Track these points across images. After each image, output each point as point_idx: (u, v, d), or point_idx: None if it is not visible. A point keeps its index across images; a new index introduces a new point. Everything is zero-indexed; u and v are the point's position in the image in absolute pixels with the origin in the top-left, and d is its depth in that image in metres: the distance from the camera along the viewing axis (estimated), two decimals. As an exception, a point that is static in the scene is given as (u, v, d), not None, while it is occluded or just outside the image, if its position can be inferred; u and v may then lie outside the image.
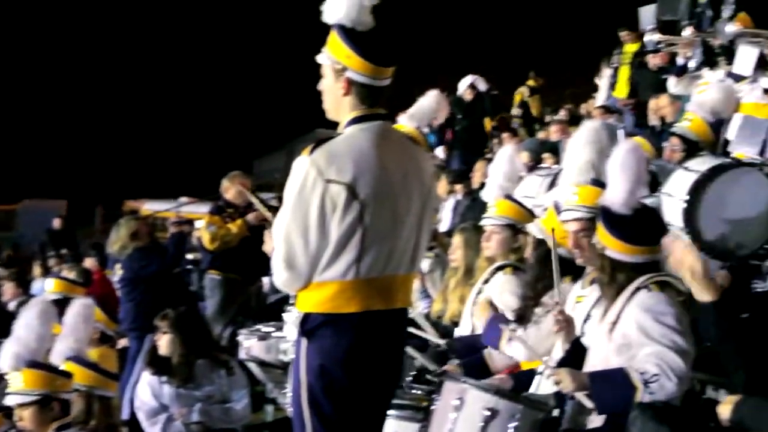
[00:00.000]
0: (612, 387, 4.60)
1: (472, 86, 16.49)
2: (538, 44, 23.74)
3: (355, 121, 4.43)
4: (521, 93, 17.64)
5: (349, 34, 4.39)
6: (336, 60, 4.42)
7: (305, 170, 4.30)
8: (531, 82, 17.68)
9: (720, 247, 6.25)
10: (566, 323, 5.19)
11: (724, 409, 3.66)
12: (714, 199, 6.23)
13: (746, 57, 8.58)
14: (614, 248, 4.79)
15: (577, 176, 5.59)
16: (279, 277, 4.43)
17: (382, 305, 4.40)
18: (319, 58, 4.50)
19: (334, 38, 4.43)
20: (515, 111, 17.57)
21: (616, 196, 4.85)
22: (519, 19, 25.29)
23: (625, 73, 14.52)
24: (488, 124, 16.11)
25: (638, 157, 4.96)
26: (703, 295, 3.95)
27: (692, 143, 7.93)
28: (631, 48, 14.63)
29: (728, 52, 8.93)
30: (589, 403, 4.66)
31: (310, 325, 4.38)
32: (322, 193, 4.28)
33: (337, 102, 4.49)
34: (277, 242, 4.38)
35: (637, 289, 4.74)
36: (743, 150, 7.08)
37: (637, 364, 4.58)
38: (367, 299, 4.35)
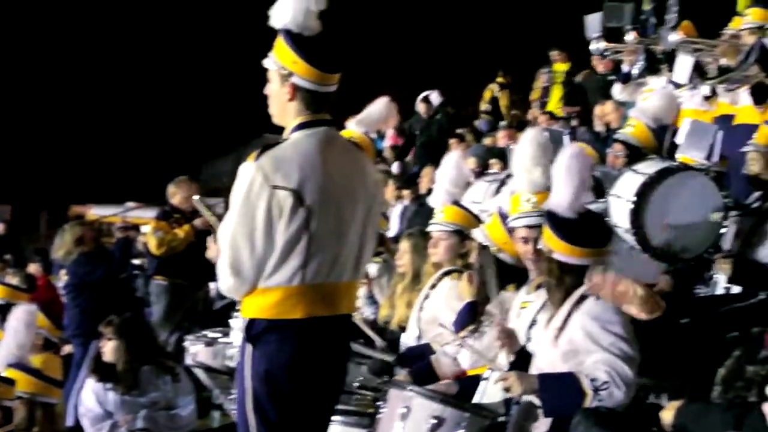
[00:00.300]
0: (561, 392, 4.61)
1: (426, 100, 16.49)
2: (487, 51, 23.84)
3: (301, 126, 4.43)
4: (491, 89, 17.74)
5: (296, 39, 4.40)
6: (282, 65, 4.43)
7: (251, 176, 4.29)
8: (500, 79, 17.77)
9: (665, 250, 6.31)
10: (508, 338, 5.20)
11: (667, 415, 3.70)
12: (660, 202, 6.30)
13: (683, 65, 8.69)
14: (561, 251, 4.81)
15: (529, 186, 5.58)
16: (225, 283, 4.41)
17: (327, 311, 4.40)
18: (266, 63, 4.50)
19: (280, 43, 4.44)
20: (485, 107, 17.64)
21: (561, 199, 4.88)
22: (469, 27, 25.39)
23: (557, 92, 14.65)
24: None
25: (583, 162, 5.00)
26: (647, 315, 3.93)
27: (635, 149, 8.04)
28: (561, 67, 14.75)
29: (670, 59, 9.04)
30: (537, 402, 4.68)
31: (255, 331, 4.38)
32: (268, 199, 4.28)
33: (282, 107, 4.49)
34: (223, 248, 4.37)
35: (583, 296, 4.76)
36: (691, 154, 7.16)
37: (587, 369, 4.60)
38: (312, 305, 4.35)
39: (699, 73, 8.80)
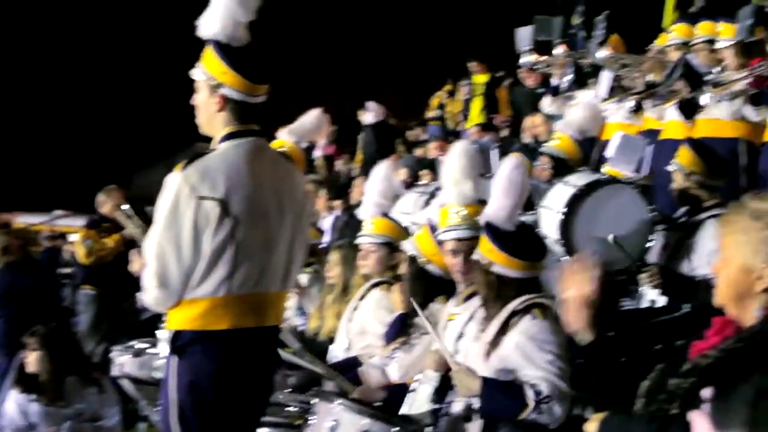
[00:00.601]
0: (503, 398, 4.62)
1: (366, 112, 16.42)
2: (421, 62, 23.95)
3: (229, 137, 4.42)
4: (439, 96, 17.80)
5: (225, 50, 4.38)
6: (211, 76, 4.41)
7: (178, 187, 4.26)
8: (449, 87, 17.83)
9: (593, 262, 6.36)
10: (438, 362, 5.19)
11: (591, 427, 3.72)
12: (589, 214, 6.36)
13: (602, 80, 8.83)
14: (501, 263, 4.82)
15: (458, 198, 5.59)
16: (150, 295, 4.36)
17: (254, 322, 4.38)
18: (194, 74, 4.48)
19: (209, 54, 4.42)
20: (434, 113, 17.68)
21: (501, 211, 4.90)
22: (405, 38, 25.45)
23: (478, 104, 14.69)
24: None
25: (524, 174, 5.05)
26: (583, 334, 3.92)
27: (560, 161, 8.13)
28: (480, 79, 14.80)
29: (598, 73, 9.15)
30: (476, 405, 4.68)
31: (180, 342, 4.35)
32: (195, 210, 4.25)
33: (211, 117, 4.47)
34: (149, 260, 4.33)
35: (515, 312, 4.76)
36: (620, 168, 7.25)
37: (530, 380, 4.62)
38: (239, 316, 4.33)
39: (621, 88, 8.92)
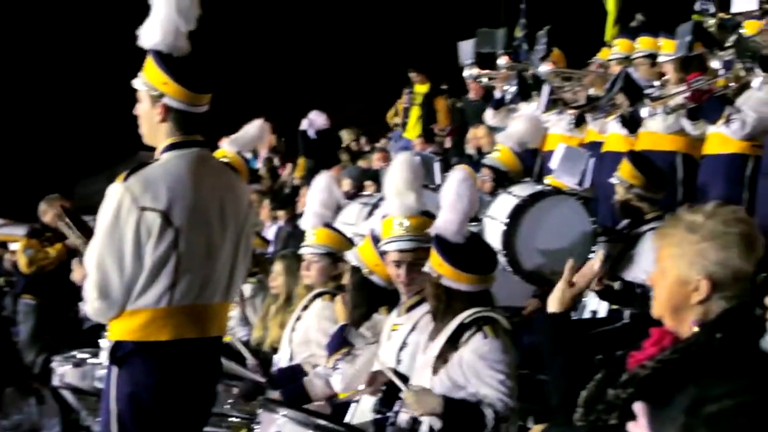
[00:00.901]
0: (466, 416, 4.63)
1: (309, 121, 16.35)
2: (362, 71, 23.99)
3: (172, 147, 4.38)
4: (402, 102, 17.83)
5: (166, 60, 4.35)
6: (152, 86, 4.37)
7: (119, 197, 4.22)
8: None
9: (535, 272, 6.43)
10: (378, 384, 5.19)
11: (531, 438, 3.76)
12: (532, 224, 6.42)
13: (543, 93, 8.92)
14: (451, 277, 4.81)
15: (401, 210, 5.60)
16: (91, 306, 4.32)
17: (196, 333, 4.36)
18: (135, 84, 4.44)
19: (150, 64, 4.38)
20: (397, 120, 17.69)
21: (450, 224, 4.91)
22: (349, 49, 25.47)
23: (415, 113, 14.74)
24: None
25: (471, 186, 5.07)
26: (552, 303, 3.96)
27: (501, 173, 8.20)
28: (420, 89, 14.84)
29: (540, 85, 9.23)
30: (437, 424, 4.68)
31: (120, 353, 4.32)
32: (137, 221, 4.22)
33: (153, 128, 4.43)
34: (90, 270, 4.29)
35: (464, 326, 4.79)
36: (563, 179, 7.31)
37: (486, 400, 4.63)
38: (180, 327, 4.31)
39: (562, 100, 9.01)
